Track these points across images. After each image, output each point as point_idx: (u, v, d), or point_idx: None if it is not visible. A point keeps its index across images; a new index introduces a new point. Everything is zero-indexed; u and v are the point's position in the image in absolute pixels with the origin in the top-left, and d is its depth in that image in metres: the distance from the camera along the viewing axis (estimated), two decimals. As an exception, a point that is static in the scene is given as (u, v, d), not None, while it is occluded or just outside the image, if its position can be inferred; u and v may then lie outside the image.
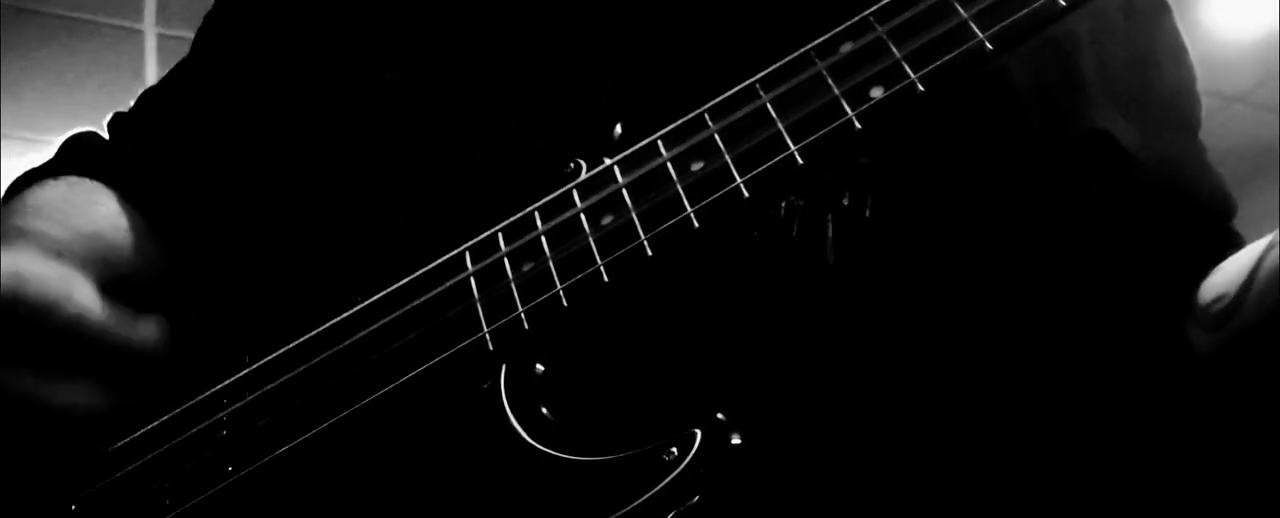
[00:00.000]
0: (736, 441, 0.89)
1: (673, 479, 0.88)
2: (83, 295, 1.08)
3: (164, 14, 4.59)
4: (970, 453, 0.96)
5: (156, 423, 1.05)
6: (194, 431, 1.04)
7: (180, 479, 1.02)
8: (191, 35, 1.34)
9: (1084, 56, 1.05)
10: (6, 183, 1.25)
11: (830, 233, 0.96)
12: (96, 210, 1.19)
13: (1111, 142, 1.01)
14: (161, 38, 4.64)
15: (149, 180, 1.24)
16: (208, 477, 1.02)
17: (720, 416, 0.90)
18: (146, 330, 1.11)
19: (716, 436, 0.89)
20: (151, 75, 4.66)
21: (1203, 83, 1.14)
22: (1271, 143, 5.46)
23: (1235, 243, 1.01)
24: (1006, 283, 0.99)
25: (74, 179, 1.23)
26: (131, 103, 1.33)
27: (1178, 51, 1.14)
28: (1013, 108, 1.01)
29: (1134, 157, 1.02)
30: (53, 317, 1.05)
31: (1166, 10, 1.15)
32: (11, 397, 1.03)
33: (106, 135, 1.31)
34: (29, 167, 1.26)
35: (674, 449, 0.89)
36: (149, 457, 1.04)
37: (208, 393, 1.05)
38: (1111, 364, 0.99)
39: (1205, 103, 1.13)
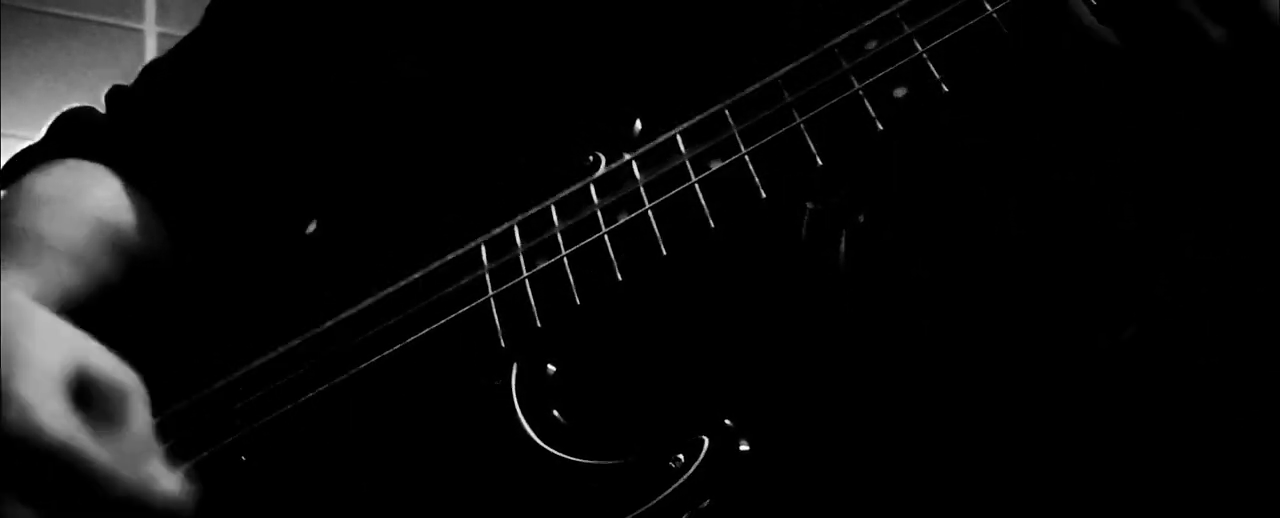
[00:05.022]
0: (744, 447, 0.88)
1: (679, 487, 0.87)
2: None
3: (164, 13, 4.60)
4: (978, 460, 0.95)
5: (170, 412, 1.04)
6: (208, 421, 1.03)
7: (194, 469, 1.00)
8: (192, 35, 1.32)
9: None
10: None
11: (843, 248, 0.95)
12: (104, 198, 1.17)
13: (1129, 167, 1.00)
14: (162, 37, 4.65)
15: (154, 165, 1.22)
16: (221, 467, 1.01)
17: (728, 422, 0.89)
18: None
19: (724, 442, 0.88)
20: (151, 75, 4.66)
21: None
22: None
23: None
24: (1021, 299, 0.98)
25: (73, 163, 1.20)
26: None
27: None
28: (1033, 129, 1.00)
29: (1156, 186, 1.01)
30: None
31: None
32: None
33: (104, 109, 1.28)
34: (27, 161, 1.23)
35: (681, 456, 0.88)
36: (164, 446, 1.01)
37: (222, 383, 1.04)
38: (1127, 383, 0.98)
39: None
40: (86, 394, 0.91)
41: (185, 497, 0.92)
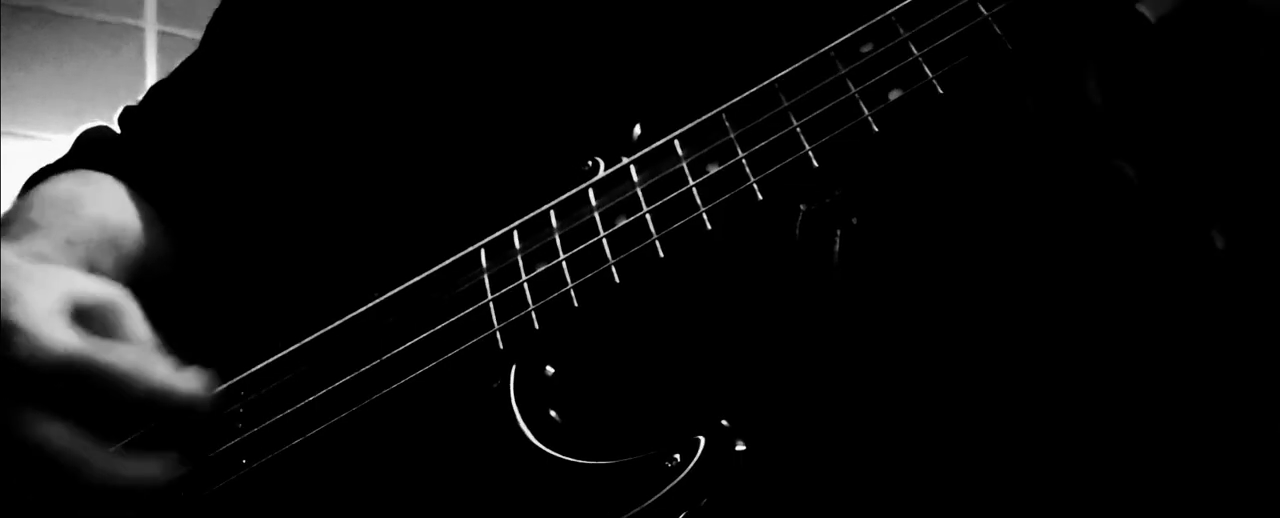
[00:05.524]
0: (740, 447, 0.89)
1: (675, 486, 0.88)
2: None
3: (165, 11, 4.60)
4: (975, 460, 0.96)
5: None
6: (209, 424, 1.03)
7: (196, 470, 1.01)
8: (192, 33, 1.34)
9: (1089, 86, 1.04)
10: (6, 179, 1.24)
11: (837, 248, 0.96)
12: (105, 200, 1.19)
13: (1119, 176, 1.01)
14: (162, 34, 4.65)
15: (158, 172, 1.24)
16: (222, 469, 1.02)
17: (725, 422, 0.90)
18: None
19: (720, 442, 0.89)
20: (152, 72, 4.67)
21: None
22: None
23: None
24: (1014, 301, 0.98)
25: (84, 172, 1.23)
26: (133, 99, 1.33)
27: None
28: (1025, 137, 1.00)
29: (1141, 191, 1.01)
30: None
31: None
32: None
33: (117, 129, 1.31)
34: (29, 163, 1.27)
35: (677, 456, 0.89)
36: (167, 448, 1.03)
37: (226, 385, 1.05)
38: (1122, 379, 0.98)
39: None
40: (84, 317, 0.97)
41: (205, 390, 0.97)
